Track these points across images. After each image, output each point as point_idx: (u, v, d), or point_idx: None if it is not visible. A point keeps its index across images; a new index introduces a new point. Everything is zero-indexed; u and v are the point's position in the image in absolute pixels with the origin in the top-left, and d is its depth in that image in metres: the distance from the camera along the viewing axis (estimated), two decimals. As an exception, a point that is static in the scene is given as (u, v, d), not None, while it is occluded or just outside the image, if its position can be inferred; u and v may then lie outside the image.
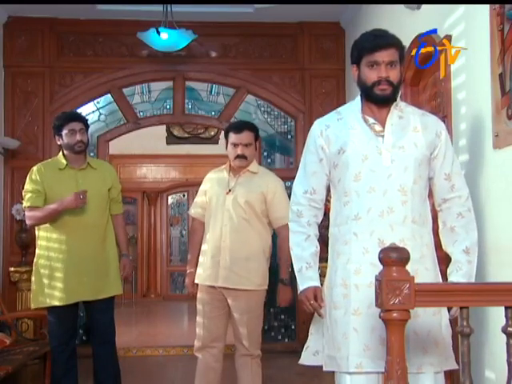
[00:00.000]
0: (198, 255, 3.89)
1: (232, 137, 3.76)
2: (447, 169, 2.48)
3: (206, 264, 3.77)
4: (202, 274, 3.80)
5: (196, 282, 3.83)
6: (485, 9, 2.92)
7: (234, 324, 3.80)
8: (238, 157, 3.74)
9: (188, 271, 3.90)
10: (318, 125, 2.56)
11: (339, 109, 2.61)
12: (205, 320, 3.79)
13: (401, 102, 2.53)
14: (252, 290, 3.73)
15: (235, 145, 3.74)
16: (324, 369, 2.51)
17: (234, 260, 3.70)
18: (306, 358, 2.58)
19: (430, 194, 2.55)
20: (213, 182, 3.87)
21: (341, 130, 2.49)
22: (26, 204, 3.91)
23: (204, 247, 3.84)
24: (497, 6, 2.81)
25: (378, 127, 2.44)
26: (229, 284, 3.71)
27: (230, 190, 3.75)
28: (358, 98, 2.54)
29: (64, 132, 3.90)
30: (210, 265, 3.74)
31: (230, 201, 3.73)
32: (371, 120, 2.46)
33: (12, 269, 5.62)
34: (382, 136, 2.43)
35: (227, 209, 3.73)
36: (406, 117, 2.48)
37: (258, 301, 3.79)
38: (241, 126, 3.83)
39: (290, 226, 2.59)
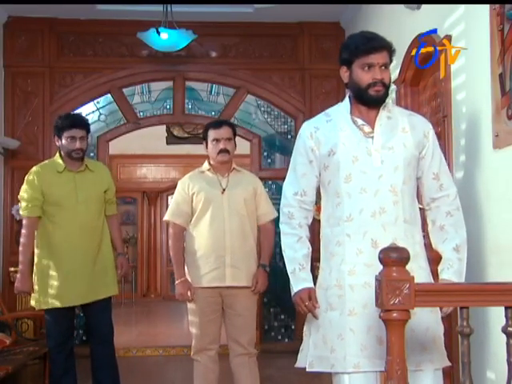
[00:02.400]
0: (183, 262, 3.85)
1: (212, 133, 3.79)
2: (435, 168, 2.50)
3: (210, 266, 3.73)
4: (206, 277, 3.74)
5: (202, 286, 3.75)
6: (485, 9, 2.92)
7: (229, 324, 3.79)
8: (221, 151, 3.75)
9: (179, 280, 3.78)
10: (308, 126, 2.57)
11: (327, 110, 2.61)
12: (202, 323, 3.75)
13: (389, 103, 2.54)
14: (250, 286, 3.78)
15: (217, 140, 3.76)
16: (308, 369, 2.49)
17: (238, 257, 3.74)
18: (302, 361, 2.57)
19: (418, 194, 2.56)
20: (201, 183, 3.82)
21: (330, 131, 2.50)
22: (22, 212, 3.94)
23: (200, 251, 3.76)
24: (497, 5, 2.81)
25: (367, 128, 2.46)
26: (236, 282, 3.73)
27: (224, 190, 3.77)
28: (347, 100, 2.55)
29: (64, 136, 3.88)
30: (215, 265, 3.72)
31: (228, 199, 3.76)
32: (360, 121, 2.47)
33: (12, 269, 5.62)
34: (372, 137, 2.45)
35: (227, 207, 3.75)
36: (394, 117, 2.50)
37: (255, 297, 3.83)
38: (220, 122, 3.94)
39: (282, 228, 2.59)
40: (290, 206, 2.55)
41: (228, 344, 3.83)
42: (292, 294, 2.52)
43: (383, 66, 2.42)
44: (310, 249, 2.55)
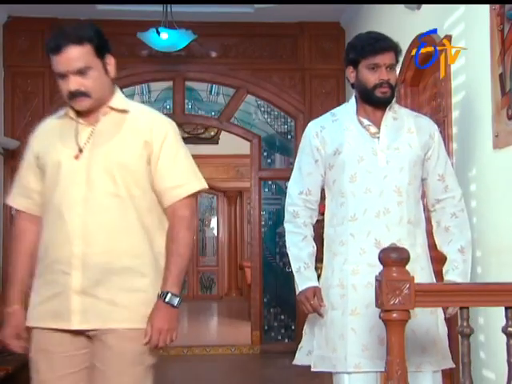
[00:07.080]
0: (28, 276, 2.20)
1: (53, 62, 2.16)
2: (440, 170, 2.51)
3: (45, 290, 2.10)
4: (37, 310, 2.11)
5: (29, 325, 2.14)
6: (485, 9, 2.92)
7: None
8: (71, 95, 2.09)
9: (11, 309, 2.16)
10: (313, 126, 2.58)
11: (334, 110, 2.63)
12: (51, 382, 2.08)
13: (394, 104, 2.56)
14: (134, 328, 2.05)
15: (62, 76, 2.10)
16: (312, 369, 2.51)
17: (101, 275, 2.05)
18: (300, 359, 2.58)
19: (423, 195, 2.57)
20: (51, 138, 2.18)
21: (336, 131, 2.51)
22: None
23: (40, 261, 2.15)
24: (497, 5, 2.81)
25: (373, 129, 2.47)
26: (92, 323, 2.05)
27: (81, 150, 2.10)
28: (353, 100, 2.56)
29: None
30: (54, 289, 2.07)
31: (86, 167, 2.09)
32: (366, 122, 2.49)
33: (12, 269, 5.63)
34: (378, 137, 2.46)
35: (83, 182, 2.08)
36: (400, 118, 2.51)
37: (141, 346, 2.05)
38: (60, 40, 2.19)
39: (286, 227, 2.61)
40: (295, 205, 2.56)
41: None
42: (297, 292, 2.53)
43: (389, 66, 2.43)
44: (315, 248, 2.57)
